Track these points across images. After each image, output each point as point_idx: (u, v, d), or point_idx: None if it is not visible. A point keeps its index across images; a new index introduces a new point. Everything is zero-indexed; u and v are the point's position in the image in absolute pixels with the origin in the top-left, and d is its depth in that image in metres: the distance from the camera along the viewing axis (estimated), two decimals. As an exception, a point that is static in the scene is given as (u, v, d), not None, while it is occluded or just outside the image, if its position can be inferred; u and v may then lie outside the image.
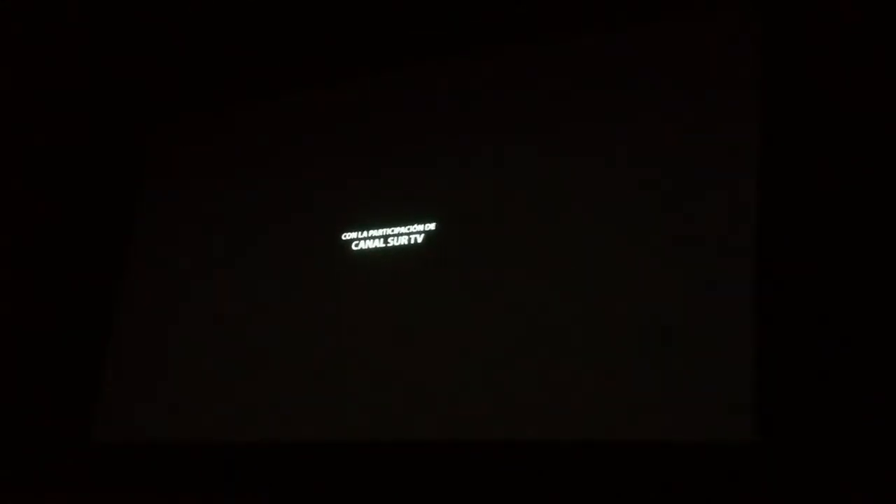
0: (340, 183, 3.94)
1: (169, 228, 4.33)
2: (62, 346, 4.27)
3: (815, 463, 2.83)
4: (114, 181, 4.51)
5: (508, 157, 3.57)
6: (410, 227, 3.68)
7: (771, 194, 3.06)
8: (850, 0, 3.16)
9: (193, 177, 4.38)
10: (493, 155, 3.60)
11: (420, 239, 3.65)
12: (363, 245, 3.76)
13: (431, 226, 3.65)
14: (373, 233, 3.76)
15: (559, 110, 3.54)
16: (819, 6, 3.20)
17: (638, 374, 3.09)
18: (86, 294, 4.34)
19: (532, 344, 3.28)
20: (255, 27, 4.23)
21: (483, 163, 3.62)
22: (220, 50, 4.33)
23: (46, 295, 4.37)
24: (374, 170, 3.87)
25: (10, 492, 3.98)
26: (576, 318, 3.24)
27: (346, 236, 3.81)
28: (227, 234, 4.13)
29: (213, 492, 3.71)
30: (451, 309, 3.48)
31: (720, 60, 3.29)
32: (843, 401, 2.85)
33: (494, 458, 3.29)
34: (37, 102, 4.44)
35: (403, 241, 3.68)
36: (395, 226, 3.72)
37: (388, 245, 3.70)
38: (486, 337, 3.36)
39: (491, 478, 3.28)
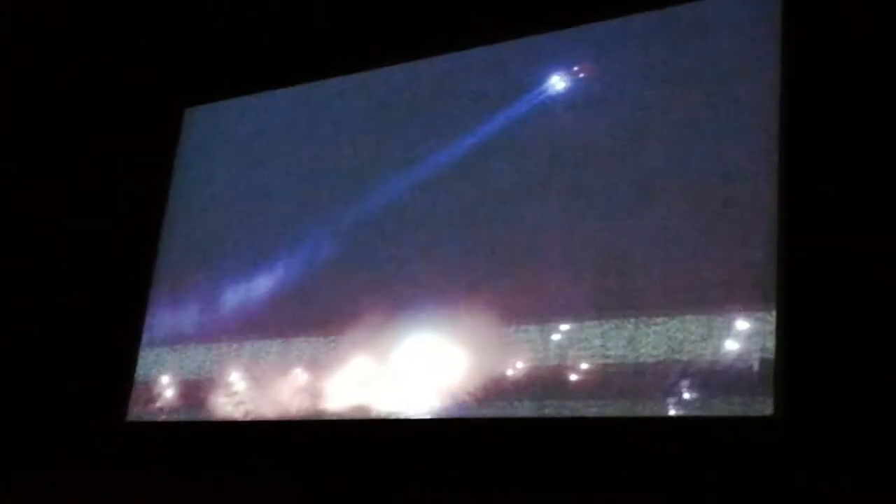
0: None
1: (203, 211, 4.35)
2: (97, 324, 4.33)
3: (836, 440, 2.74)
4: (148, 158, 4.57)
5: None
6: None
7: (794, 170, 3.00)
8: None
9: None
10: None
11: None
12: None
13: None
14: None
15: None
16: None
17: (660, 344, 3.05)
18: (121, 271, 4.39)
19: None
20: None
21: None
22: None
23: (82, 274, 4.44)
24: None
25: (45, 471, 4.06)
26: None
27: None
28: (261, 221, 4.15)
29: (245, 471, 3.73)
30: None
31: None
32: (864, 378, 2.75)
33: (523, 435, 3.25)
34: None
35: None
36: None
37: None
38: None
39: (517, 454, 3.24)
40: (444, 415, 3.36)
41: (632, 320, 3.12)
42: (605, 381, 3.12)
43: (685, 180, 3.18)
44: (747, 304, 2.95)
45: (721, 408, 2.92)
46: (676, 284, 3.09)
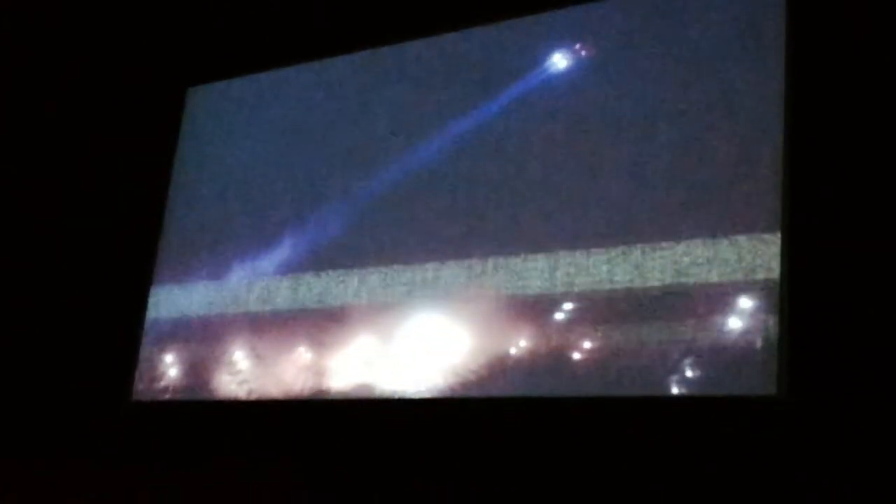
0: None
1: (206, 191, 4.35)
2: (100, 305, 4.33)
3: (841, 419, 2.74)
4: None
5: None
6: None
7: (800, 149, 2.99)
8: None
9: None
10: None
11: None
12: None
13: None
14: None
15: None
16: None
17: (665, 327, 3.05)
18: (124, 252, 4.39)
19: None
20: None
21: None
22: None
23: (85, 255, 4.44)
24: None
25: (50, 453, 4.07)
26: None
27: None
28: (265, 200, 4.14)
29: (249, 450, 3.74)
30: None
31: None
32: (868, 357, 2.75)
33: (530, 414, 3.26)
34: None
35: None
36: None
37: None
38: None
39: (521, 433, 3.24)
40: (447, 394, 3.37)
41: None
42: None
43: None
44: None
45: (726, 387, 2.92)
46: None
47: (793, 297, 2.88)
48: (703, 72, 3.24)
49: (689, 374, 2.98)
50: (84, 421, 4.12)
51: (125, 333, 4.22)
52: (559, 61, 3.57)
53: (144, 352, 4.17)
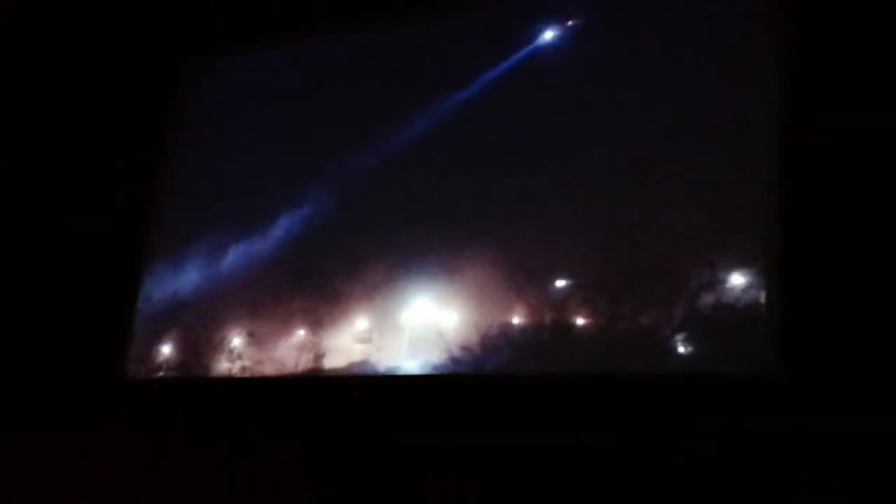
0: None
1: (201, 166, 4.33)
2: (94, 282, 4.31)
3: (838, 397, 2.74)
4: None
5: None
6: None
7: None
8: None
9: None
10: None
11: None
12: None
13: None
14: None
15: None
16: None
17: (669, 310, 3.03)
18: (118, 229, 4.36)
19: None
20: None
21: None
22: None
23: (78, 232, 4.41)
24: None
25: (43, 430, 4.06)
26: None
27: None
28: (260, 177, 4.12)
29: (244, 427, 3.73)
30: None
31: None
32: (865, 335, 2.75)
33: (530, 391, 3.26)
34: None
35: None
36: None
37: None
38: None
39: (516, 411, 3.24)
40: (443, 371, 3.36)
41: None
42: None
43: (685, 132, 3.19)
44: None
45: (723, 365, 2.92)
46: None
47: (789, 275, 2.88)
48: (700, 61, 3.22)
49: (683, 350, 2.98)
50: (77, 399, 4.10)
51: (118, 311, 4.20)
52: (549, 36, 3.56)
53: (138, 330, 4.14)
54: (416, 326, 3.48)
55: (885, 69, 2.93)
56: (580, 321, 3.17)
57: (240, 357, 3.83)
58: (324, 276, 3.74)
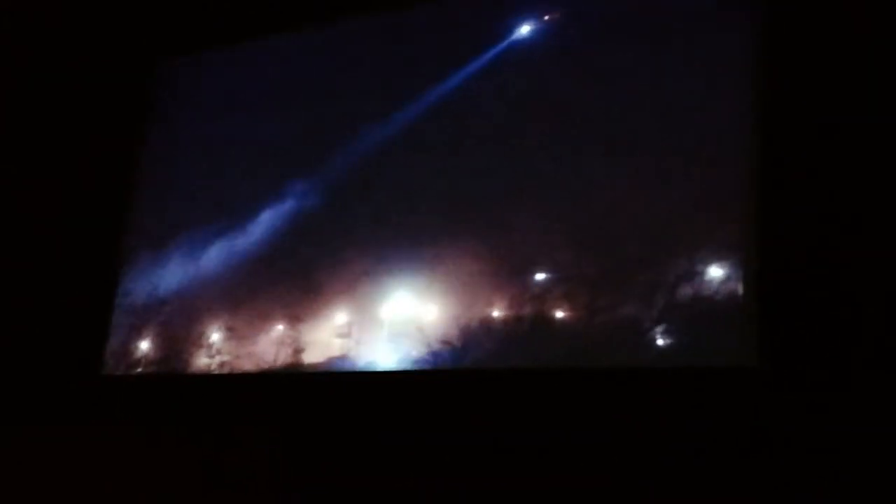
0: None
1: (179, 164, 4.30)
2: (73, 278, 4.28)
3: (819, 389, 2.74)
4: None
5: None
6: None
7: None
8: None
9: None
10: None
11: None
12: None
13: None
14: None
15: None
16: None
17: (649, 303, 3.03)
18: (95, 226, 4.34)
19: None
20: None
21: None
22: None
23: (56, 229, 4.38)
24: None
25: (21, 426, 4.03)
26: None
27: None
28: (239, 174, 4.10)
29: (223, 423, 3.71)
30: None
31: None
32: (846, 329, 2.75)
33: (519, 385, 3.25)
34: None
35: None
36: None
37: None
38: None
39: (498, 405, 3.23)
40: (423, 366, 3.35)
41: None
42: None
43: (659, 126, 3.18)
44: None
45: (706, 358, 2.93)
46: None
47: (767, 267, 2.88)
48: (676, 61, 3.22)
49: (662, 343, 2.98)
50: (55, 395, 4.07)
51: (96, 307, 4.18)
52: (526, 30, 3.55)
53: (116, 325, 4.12)
54: (396, 320, 3.46)
55: (862, 65, 2.94)
56: (560, 314, 3.16)
57: (219, 352, 3.81)
58: (303, 270, 3.72)
